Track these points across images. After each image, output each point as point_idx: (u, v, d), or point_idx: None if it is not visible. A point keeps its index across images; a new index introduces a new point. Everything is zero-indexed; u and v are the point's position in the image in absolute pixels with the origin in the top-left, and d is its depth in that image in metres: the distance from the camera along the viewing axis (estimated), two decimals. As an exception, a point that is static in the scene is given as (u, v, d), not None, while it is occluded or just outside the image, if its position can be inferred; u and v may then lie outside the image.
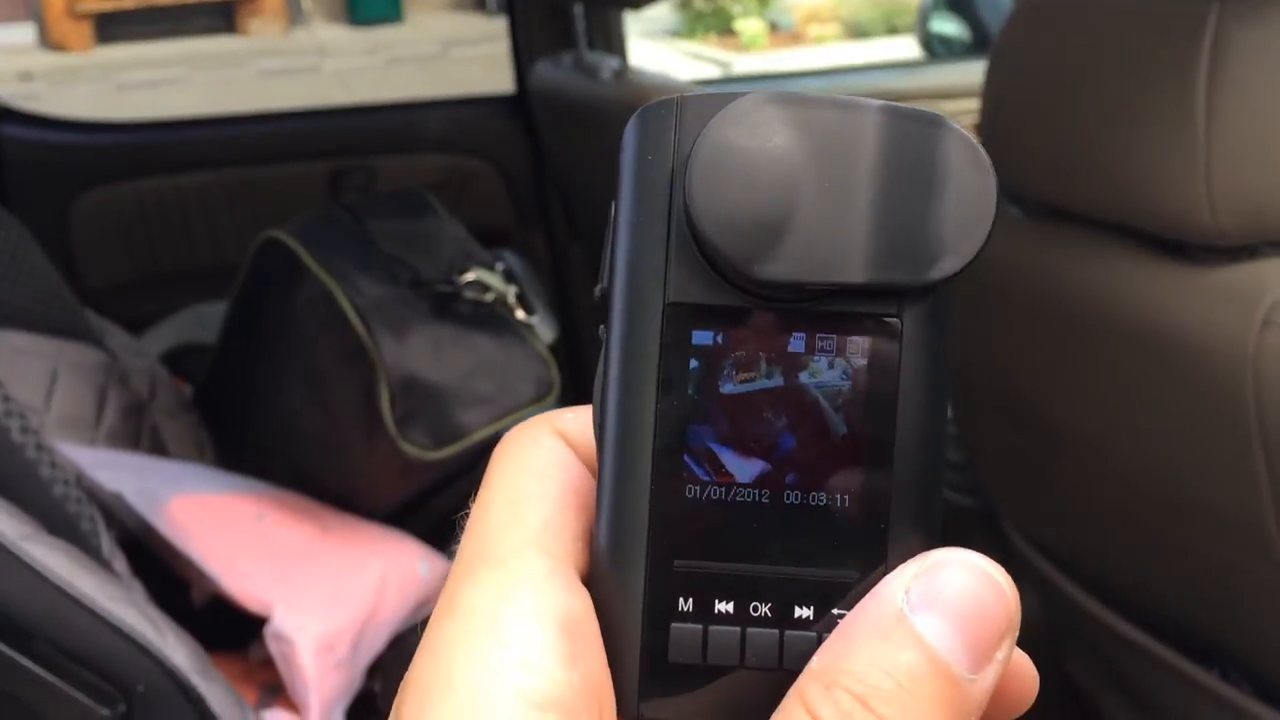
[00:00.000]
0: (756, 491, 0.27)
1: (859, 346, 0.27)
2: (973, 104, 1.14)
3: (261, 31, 8.93)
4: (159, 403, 1.38)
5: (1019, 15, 1.08)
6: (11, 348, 1.22)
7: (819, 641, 0.26)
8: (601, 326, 0.28)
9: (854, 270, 0.26)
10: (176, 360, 1.68)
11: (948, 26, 3.13)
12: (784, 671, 0.26)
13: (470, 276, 1.33)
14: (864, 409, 0.27)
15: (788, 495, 0.27)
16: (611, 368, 0.28)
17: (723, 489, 0.27)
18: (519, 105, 2.05)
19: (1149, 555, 1.10)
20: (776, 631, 0.27)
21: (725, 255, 0.26)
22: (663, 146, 0.28)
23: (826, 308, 0.27)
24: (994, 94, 1.09)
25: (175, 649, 0.87)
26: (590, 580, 0.27)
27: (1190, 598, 1.08)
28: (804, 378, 0.27)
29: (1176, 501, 1.02)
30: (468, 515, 0.28)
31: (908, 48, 5.47)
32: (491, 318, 1.33)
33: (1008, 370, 1.20)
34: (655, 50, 7.56)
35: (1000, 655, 0.25)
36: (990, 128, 1.10)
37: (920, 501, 0.27)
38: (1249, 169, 0.88)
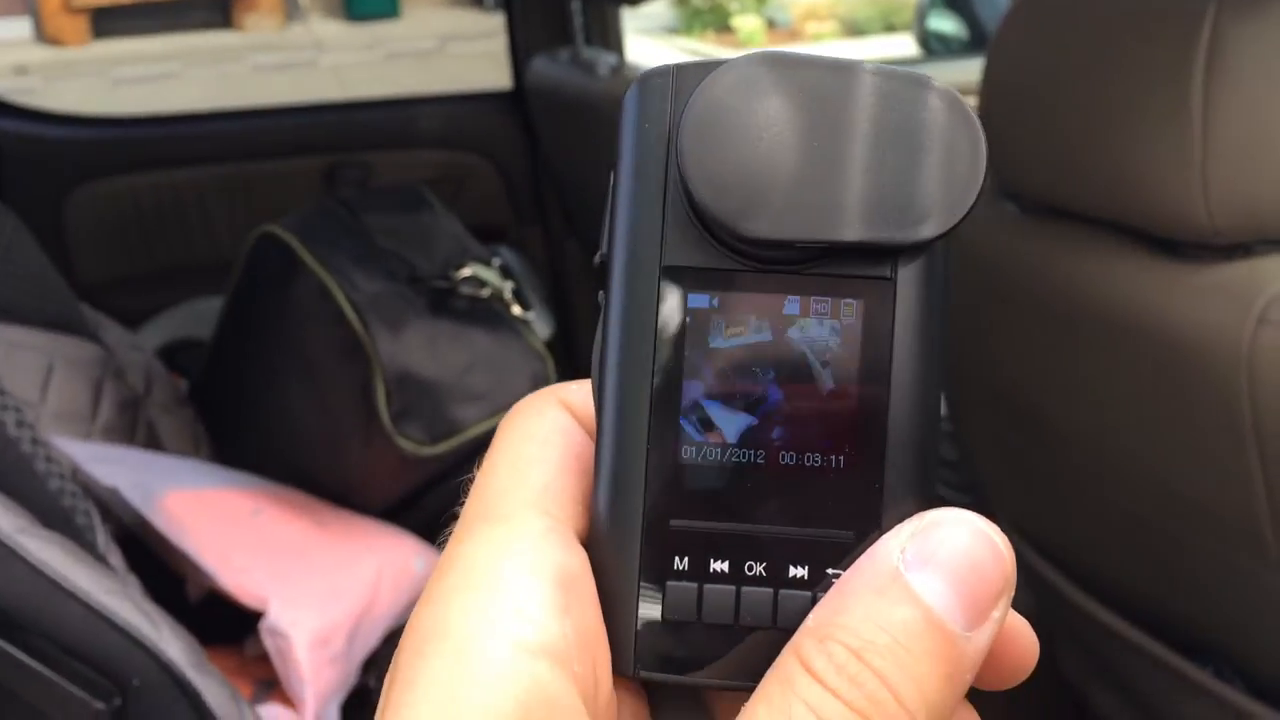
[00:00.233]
0: (751, 452, 0.27)
1: (853, 308, 0.27)
2: (970, 102, 1.14)
3: (258, 26, 8.92)
4: (155, 397, 1.38)
5: (1016, 13, 1.08)
6: (7, 342, 1.22)
7: (813, 601, 0.26)
8: (601, 292, 0.28)
9: (844, 228, 0.26)
10: (172, 355, 1.68)
11: (945, 24, 3.13)
12: (778, 630, 0.26)
13: (466, 272, 1.33)
14: (858, 370, 0.27)
15: (782, 456, 0.27)
16: (609, 331, 0.28)
17: (718, 449, 0.27)
18: (516, 101, 2.05)
19: (1142, 552, 1.10)
20: (771, 590, 0.27)
21: (716, 214, 0.26)
22: (659, 113, 0.28)
23: (820, 270, 0.27)
24: (991, 92, 1.09)
25: (170, 643, 0.87)
26: (588, 541, 0.28)
27: (1183, 594, 1.09)
28: (798, 339, 0.27)
29: (1170, 499, 1.02)
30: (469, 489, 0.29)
31: (905, 45, 5.47)
32: (488, 313, 1.33)
33: (1002, 366, 1.20)
34: (653, 47, 7.56)
35: (996, 614, 0.25)
36: (987, 125, 1.10)
37: (915, 462, 0.27)
38: (1245, 167, 0.88)
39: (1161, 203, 0.92)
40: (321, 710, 1.09)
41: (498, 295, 1.34)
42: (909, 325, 0.27)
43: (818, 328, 0.27)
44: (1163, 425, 1.00)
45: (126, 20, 8.62)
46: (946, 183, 0.27)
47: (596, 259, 0.29)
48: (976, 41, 2.91)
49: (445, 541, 0.28)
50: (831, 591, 0.25)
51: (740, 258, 0.27)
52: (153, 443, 1.33)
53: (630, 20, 2.12)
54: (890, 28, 7.69)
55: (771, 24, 8.36)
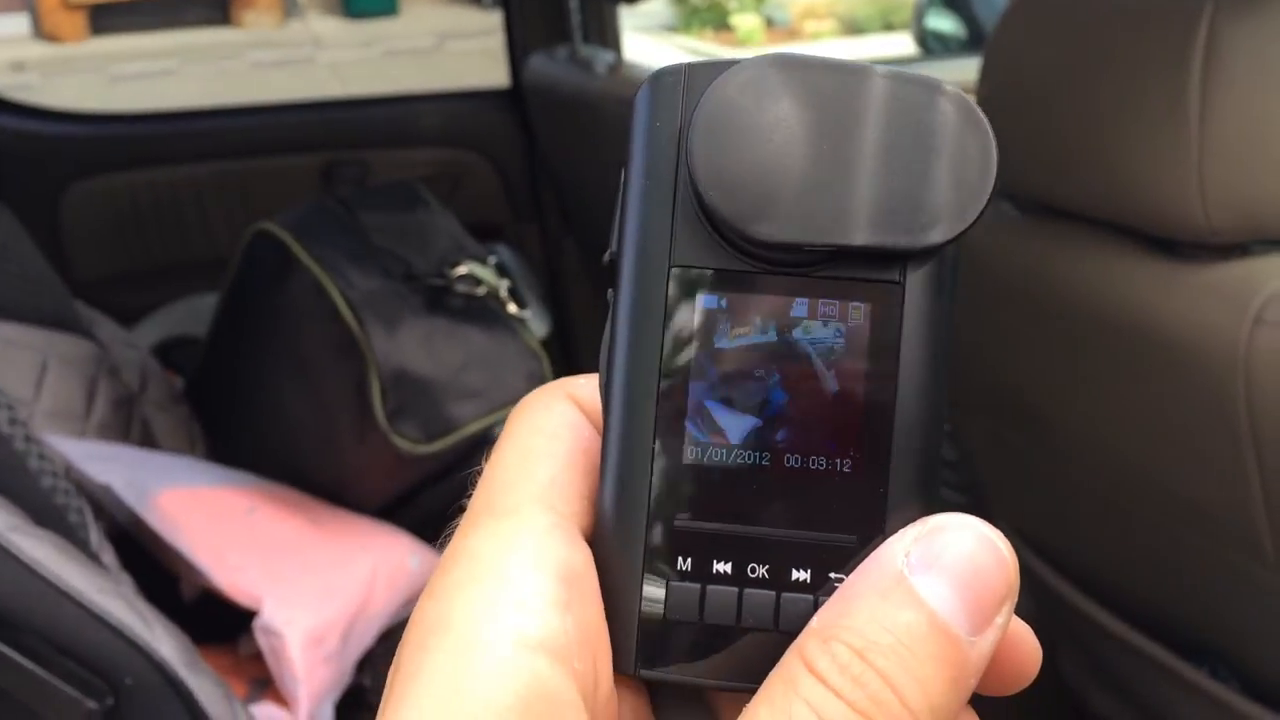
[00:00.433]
0: (756, 453, 0.27)
1: (861, 311, 0.27)
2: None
3: (256, 23, 8.91)
4: (149, 395, 1.38)
5: (1014, 12, 1.08)
6: (1, 339, 1.21)
7: (815, 605, 0.26)
8: (610, 290, 0.28)
9: (852, 232, 0.26)
10: (168, 352, 1.67)
11: (943, 23, 3.13)
12: (780, 633, 0.26)
13: (462, 270, 1.33)
14: (865, 375, 0.27)
15: (787, 458, 0.27)
16: (617, 330, 0.28)
17: (723, 450, 0.27)
18: (513, 99, 2.05)
19: (1140, 553, 1.10)
20: (773, 593, 0.27)
21: (724, 216, 0.26)
22: (670, 112, 0.28)
23: (829, 273, 0.27)
24: (988, 91, 1.09)
25: (164, 642, 0.87)
26: (593, 537, 0.28)
27: (1180, 595, 1.08)
28: (806, 342, 0.27)
29: (1167, 499, 1.02)
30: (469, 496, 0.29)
31: (903, 44, 5.47)
32: (484, 311, 1.33)
33: (1000, 366, 1.20)
34: (651, 45, 7.55)
35: (1000, 620, 0.25)
36: (984, 124, 1.10)
37: (920, 468, 0.27)
38: (1242, 166, 0.88)
39: (1158, 202, 0.92)
40: (315, 709, 1.09)
41: (493, 293, 1.33)
42: (916, 330, 0.27)
43: (825, 330, 0.27)
44: (1159, 425, 1.00)
45: (124, 17, 8.61)
46: (956, 187, 0.26)
47: (606, 257, 0.29)
48: (975, 40, 2.91)
49: (451, 534, 0.28)
50: (836, 595, 0.25)
51: (749, 259, 0.27)
52: (147, 440, 1.32)
53: (628, 18, 2.11)
54: (889, 26, 7.68)
55: (770, 22, 8.36)
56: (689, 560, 0.27)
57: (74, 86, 7.31)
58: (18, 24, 8.50)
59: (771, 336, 0.27)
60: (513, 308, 1.35)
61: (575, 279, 2.09)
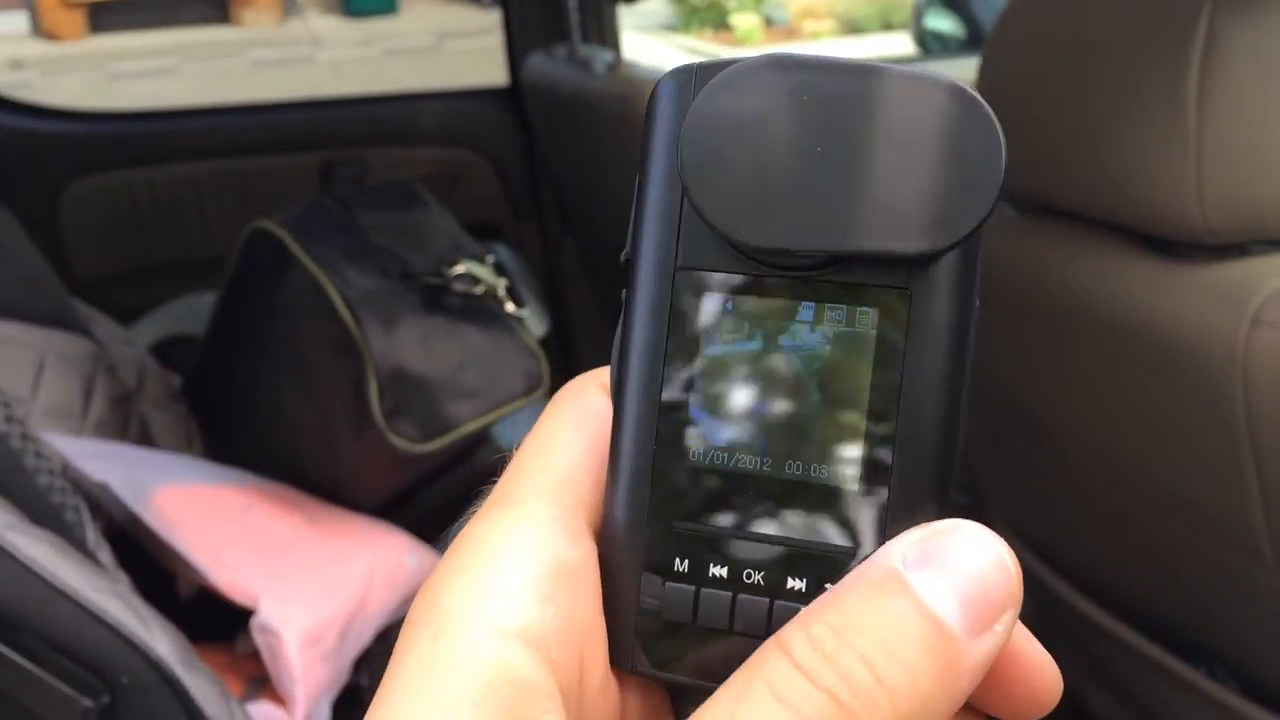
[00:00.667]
0: (757, 459, 0.27)
1: (869, 317, 0.26)
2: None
3: (255, 22, 8.91)
4: (147, 393, 1.38)
5: (1012, 12, 1.08)
6: (-2, 337, 1.21)
7: None
8: (624, 290, 0.28)
9: (847, 237, 0.25)
10: (166, 351, 1.67)
11: (942, 23, 3.13)
12: None
13: (460, 269, 1.32)
14: (870, 383, 0.26)
15: (788, 465, 0.27)
16: (625, 331, 0.28)
17: (724, 454, 0.27)
18: (512, 98, 2.05)
19: (1137, 553, 1.10)
20: (767, 600, 0.26)
21: (714, 221, 0.26)
22: (677, 113, 0.28)
23: (837, 277, 0.26)
24: (987, 91, 1.09)
25: (160, 640, 0.87)
26: (599, 533, 0.28)
27: (1178, 596, 1.08)
28: (810, 347, 0.27)
29: (1164, 500, 1.02)
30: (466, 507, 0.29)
31: (902, 44, 5.47)
32: (481, 310, 1.33)
33: (997, 366, 1.20)
34: (650, 45, 7.55)
35: (999, 628, 0.24)
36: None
37: (926, 482, 0.26)
38: (1240, 167, 0.88)
39: (1156, 202, 0.92)
40: (312, 708, 1.09)
41: (491, 292, 1.33)
42: (923, 338, 0.26)
43: (831, 336, 0.26)
44: (1157, 426, 1.00)
45: (123, 15, 8.61)
46: (961, 188, 0.25)
47: (622, 257, 0.29)
48: (973, 40, 2.91)
49: (442, 544, 0.28)
50: (828, 592, 0.25)
51: (755, 263, 0.27)
52: (145, 439, 1.32)
53: (627, 17, 2.11)
54: (888, 26, 7.68)
55: (769, 22, 8.36)
56: (686, 562, 0.27)
57: (73, 85, 7.31)
58: (16, 22, 8.49)
59: (777, 341, 0.27)
60: (511, 307, 1.35)
61: (574, 278, 2.09)
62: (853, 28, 8.06)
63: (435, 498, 1.37)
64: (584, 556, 0.27)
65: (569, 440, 0.28)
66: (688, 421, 0.27)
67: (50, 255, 1.45)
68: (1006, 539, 0.25)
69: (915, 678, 0.23)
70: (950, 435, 0.26)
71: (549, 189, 2.05)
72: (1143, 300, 0.96)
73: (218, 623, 1.15)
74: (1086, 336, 1.04)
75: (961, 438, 0.27)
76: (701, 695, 0.28)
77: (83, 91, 7.06)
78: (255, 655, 1.12)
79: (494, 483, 0.29)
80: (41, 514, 0.90)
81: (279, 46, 8.39)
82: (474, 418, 1.27)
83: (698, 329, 0.27)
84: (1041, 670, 0.26)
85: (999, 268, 1.12)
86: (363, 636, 1.17)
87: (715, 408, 0.27)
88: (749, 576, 0.27)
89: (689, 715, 0.26)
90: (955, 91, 0.25)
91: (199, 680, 0.88)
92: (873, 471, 0.26)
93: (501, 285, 1.34)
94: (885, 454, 0.26)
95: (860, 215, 0.25)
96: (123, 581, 0.97)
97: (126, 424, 1.30)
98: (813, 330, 0.27)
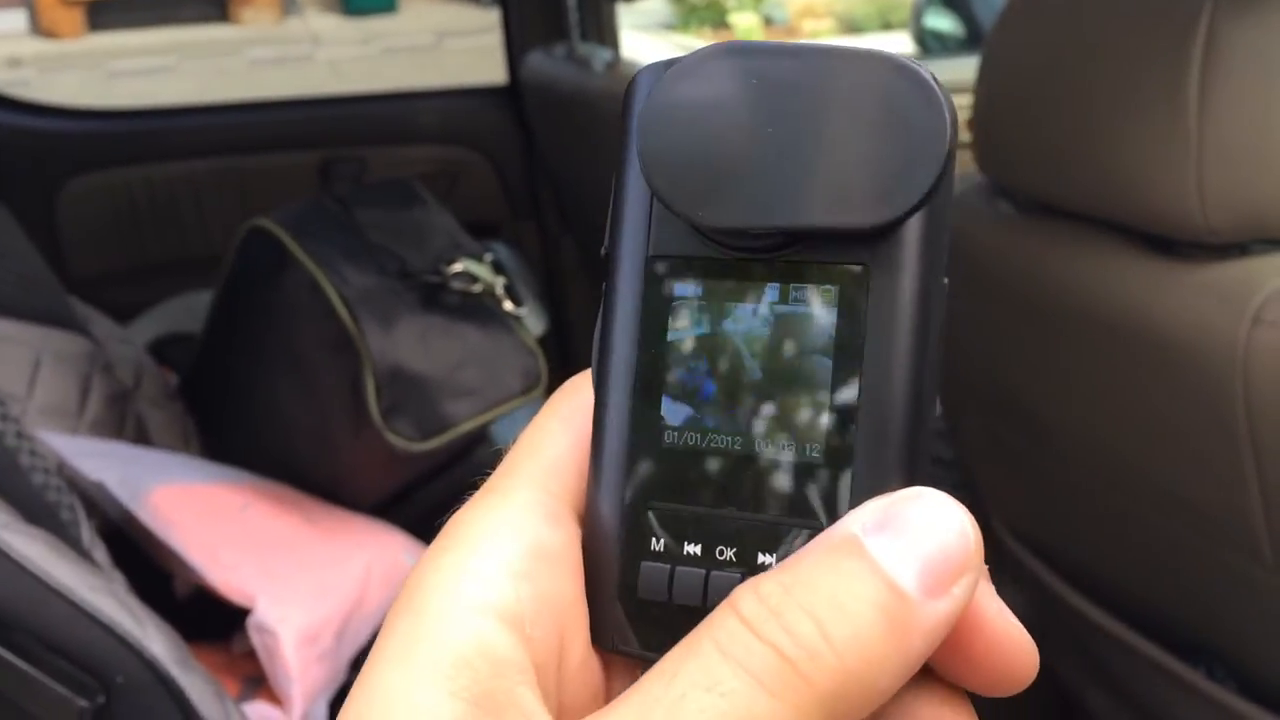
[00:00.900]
0: (729, 438, 0.27)
1: (831, 294, 0.27)
2: (965, 100, 1.14)
3: (254, 20, 8.91)
4: (144, 391, 1.37)
5: (1012, 11, 1.07)
6: (-5, 335, 1.21)
7: None
8: (604, 283, 0.29)
9: (800, 213, 0.26)
10: (163, 349, 1.67)
11: (941, 22, 3.13)
12: None
13: (458, 267, 1.32)
14: (833, 359, 0.27)
15: (759, 443, 0.27)
16: (602, 319, 0.29)
17: (696, 435, 0.28)
18: (511, 96, 2.05)
19: (1137, 553, 1.10)
20: (739, 576, 0.27)
21: (670, 203, 0.27)
22: None
23: (797, 257, 0.27)
24: (986, 90, 1.09)
25: (155, 640, 0.86)
26: (583, 518, 0.29)
27: (1177, 596, 1.08)
28: (777, 326, 0.27)
29: (1164, 499, 1.01)
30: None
31: (901, 44, 5.47)
32: (479, 309, 1.33)
33: (996, 366, 1.19)
34: (649, 44, 7.55)
35: (957, 591, 0.24)
36: (982, 123, 1.10)
37: (889, 455, 0.26)
38: (1240, 166, 0.88)
39: (1156, 201, 0.91)
40: (309, 708, 1.08)
41: (489, 291, 1.33)
42: (883, 314, 0.26)
43: (796, 315, 0.27)
44: (1156, 426, 0.99)
45: (122, 13, 8.61)
46: (904, 165, 0.25)
47: (602, 250, 0.29)
48: (973, 39, 2.91)
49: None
50: (788, 559, 0.25)
51: (720, 246, 0.28)
52: (142, 437, 1.32)
53: (626, 16, 2.11)
54: (887, 25, 7.69)
55: (768, 21, 8.36)
56: (661, 541, 0.28)
57: (71, 83, 7.31)
58: (15, 20, 8.49)
59: (744, 322, 0.27)
60: (509, 305, 1.35)
61: (573, 277, 2.09)
62: (852, 27, 8.06)
63: (433, 497, 1.37)
64: (565, 539, 0.28)
65: (560, 430, 0.29)
66: (661, 405, 0.28)
67: (48, 253, 1.45)
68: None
69: (863, 635, 0.23)
70: (914, 410, 0.27)
71: (548, 188, 2.05)
72: (1143, 300, 0.96)
73: (214, 622, 1.14)
74: (1086, 336, 1.04)
75: (929, 414, 0.27)
76: None
77: (81, 90, 7.06)
78: (252, 655, 1.11)
79: (488, 476, 0.29)
80: (36, 513, 0.89)
81: (278, 45, 8.39)
82: (472, 416, 1.27)
83: (667, 315, 0.28)
84: (1012, 641, 0.26)
85: (998, 267, 1.12)
86: (360, 636, 1.16)
87: (686, 391, 0.28)
88: (721, 554, 0.27)
89: None
90: (899, 66, 0.26)
91: (194, 680, 0.88)
92: (839, 447, 0.27)
93: (500, 284, 1.34)
94: (850, 430, 0.27)
95: (812, 191, 0.26)
96: (118, 581, 0.96)
97: (123, 422, 1.30)
98: (778, 311, 0.27)
